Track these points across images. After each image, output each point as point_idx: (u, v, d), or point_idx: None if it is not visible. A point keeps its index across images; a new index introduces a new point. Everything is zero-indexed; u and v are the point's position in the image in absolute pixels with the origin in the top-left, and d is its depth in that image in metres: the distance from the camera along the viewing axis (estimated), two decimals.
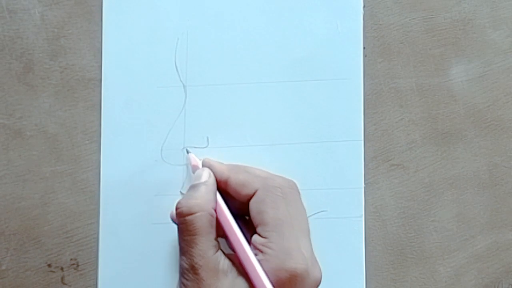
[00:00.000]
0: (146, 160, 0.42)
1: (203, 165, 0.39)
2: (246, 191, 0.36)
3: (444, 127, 0.44)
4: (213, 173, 0.38)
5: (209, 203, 0.35)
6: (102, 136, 0.43)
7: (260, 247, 0.34)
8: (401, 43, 0.44)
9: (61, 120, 0.43)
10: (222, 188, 0.37)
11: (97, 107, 0.43)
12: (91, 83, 0.43)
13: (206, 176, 0.37)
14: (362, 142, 0.42)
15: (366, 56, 0.43)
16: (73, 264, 0.43)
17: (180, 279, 0.34)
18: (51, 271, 0.43)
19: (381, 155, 0.44)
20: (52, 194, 0.43)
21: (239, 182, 0.36)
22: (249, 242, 0.35)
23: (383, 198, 0.44)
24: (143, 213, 0.42)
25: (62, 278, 0.43)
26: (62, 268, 0.43)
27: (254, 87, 0.42)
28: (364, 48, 0.43)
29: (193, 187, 0.36)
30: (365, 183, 0.43)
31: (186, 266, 0.33)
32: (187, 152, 0.41)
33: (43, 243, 0.43)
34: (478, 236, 0.44)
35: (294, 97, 0.43)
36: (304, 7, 0.43)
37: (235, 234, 0.35)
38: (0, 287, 0.42)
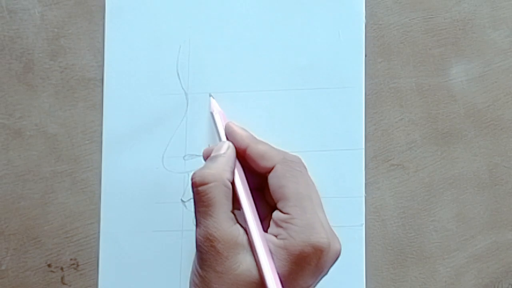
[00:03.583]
0: (147, 168, 0.42)
1: (225, 129, 0.38)
2: (264, 164, 0.36)
3: (444, 127, 0.44)
4: (233, 139, 0.37)
5: (224, 174, 0.34)
6: (104, 143, 0.43)
7: (282, 224, 0.33)
8: (401, 43, 0.44)
9: (61, 120, 0.43)
10: (241, 157, 0.37)
11: (97, 107, 0.43)
12: (91, 83, 0.43)
13: (225, 148, 0.36)
14: (363, 150, 0.42)
15: (366, 56, 0.43)
16: (73, 264, 0.43)
17: (196, 253, 0.34)
18: (51, 271, 0.43)
19: (381, 155, 0.44)
20: (52, 194, 0.43)
21: (258, 153, 0.36)
22: (264, 215, 0.35)
23: (383, 198, 0.44)
24: (143, 221, 0.42)
25: (62, 278, 0.43)
26: (62, 268, 0.43)
27: (255, 95, 0.42)
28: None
29: (211, 158, 0.36)
30: (365, 183, 0.43)
31: (201, 238, 0.33)
32: (210, 95, 0.42)
33: (43, 243, 0.43)
34: (478, 236, 0.44)
35: (295, 106, 0.42)
36: (306, 16, 0.43)
37: (247, 209, 0.34)
38: (0, 287, 0.42)
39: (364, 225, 0.42)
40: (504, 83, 0.44)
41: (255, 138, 0.38)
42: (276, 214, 0.34)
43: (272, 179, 0.35)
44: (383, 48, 0.44)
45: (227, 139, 0.38)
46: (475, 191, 0.44)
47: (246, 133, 0.38)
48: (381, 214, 0.44)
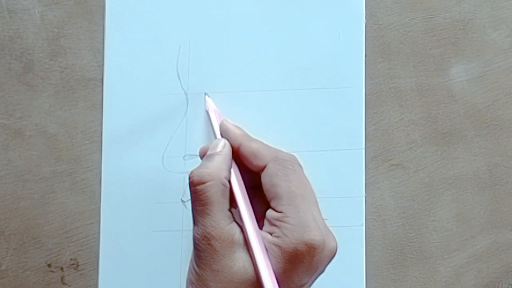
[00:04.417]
0: (147, 168, 0.42)
1: (220, 127, 0.38)
2: (257, 162, 0.36)
3: (444, 127, 0.44)
4: (228, 137, 0.37)
5: (221, 172, 0.34)
6: (104, 143, 0.43)
7: (275, 222, 0.33)
8: (401, 43, 0.44)
9: (61, 120, 0.43)
10: (235, 155, 0.37)
11: (97, 107, 0.43)
12: (91, 83, 0.43)
13: (221, 146, 0.36)
14: (363, 150, 0.42)
15: (366, 56, 0.43)
16: (73, 264, 0.43)
17: (193, 251, 0.34)
18: (51, 271, 0.43)
19: (381, 155, 0.44)
20: (52, 194, 0.43)
21: (251, 151, 0.36)
22: (261, 213, 0.35)
23: (383, 198, 0.44)
24: (143, 221, 0.42)
25: (62, 278, 0.43)
26: (62, 268, 0.43)
27: (256, 95, 0.43)
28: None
29: (207, 157, 0.36)
30: (365, 183, 0.43)
31: (199, 236, 0.33)
32: (205, 94, 0.42)
33: (43, 243, 0.43)
34: (478, 236, 0.44)
35: (296, 106, 0.43)
36: (306, 16, 0.43)
37: (243, 207, 0.34)
38: (0, 287, 0.42)
39: (364, 225, 0.42)
40: (504, 83, 0.44)
41: (248, 136, 0.38)
42: (269, 212, 0.34)
43: (264, 177, 0.35)
44: (383, 48, 0.44)
45: (222, 137, 0.38)
46: (475, 191, 0.44)
47: (239, 131, 0.38)
48: (381, 214, 0.44)
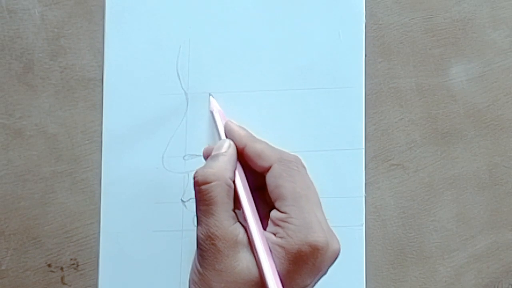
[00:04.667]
0: (147, 168, 0.42)
1: (225, 128, 0.39)
2: (261, 163, 0.36)
3: (444, 127, 0.44)
4: (232, 137, 0.37)
5: (225, 173, 0.34)
6: (104, 143, 0.43)
7: (280, 223, 0.33)
8: (401, 43, 0.44)
9: (61, 120, 0.43)
10: (240, 155, 0.37)
11: (97, 107, 0.43)
12: (91, 83, 0.43)
13: (226, 146, 0.36)
14: (363, 150, 0.42)
15: (366, 56, 0.43)
16: (73, 264, 0.43)
17: (197, 251, 0.34)
18: (51, 271, 0.43)
19: (381, 155, 0.44)
20: (52, 194, 0.43)
21: (255, 152, 0.36)
22: (264, 213, 0.35)
23: (383, 198, 0.44)
24: (143, 221, 0.42)
25: (62, 278, 0.43)
26: (62, 268, 0.43)
27: (255, 95, 0.43)
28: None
29: (212, 157, 0.36)
30: (365, 183, 0.43)
31: (202, 236, 0.33)
32: (210, 95, 0.42)
33: (43, 243, 0.43)
34: (478, 236, 0.44)
35: (296, 106, 0.43)
36: (306, 16, 0.43)
37: (247, 208, 0.34)
38: (0, 287, 0.42)
39: (364, 225, 0.42)
40: (504, 83, 0.44)
41: (253, 137, 0.38)
42: (274, 213, 0.34)
43: (269, 178, 0.35)
44: (383, 48, 0.44)
45: (227, 137, 0.38)
46: (475, 191, 0.44)
47: (244, 132, 0.38)
48: (381, 214, 0.44)
